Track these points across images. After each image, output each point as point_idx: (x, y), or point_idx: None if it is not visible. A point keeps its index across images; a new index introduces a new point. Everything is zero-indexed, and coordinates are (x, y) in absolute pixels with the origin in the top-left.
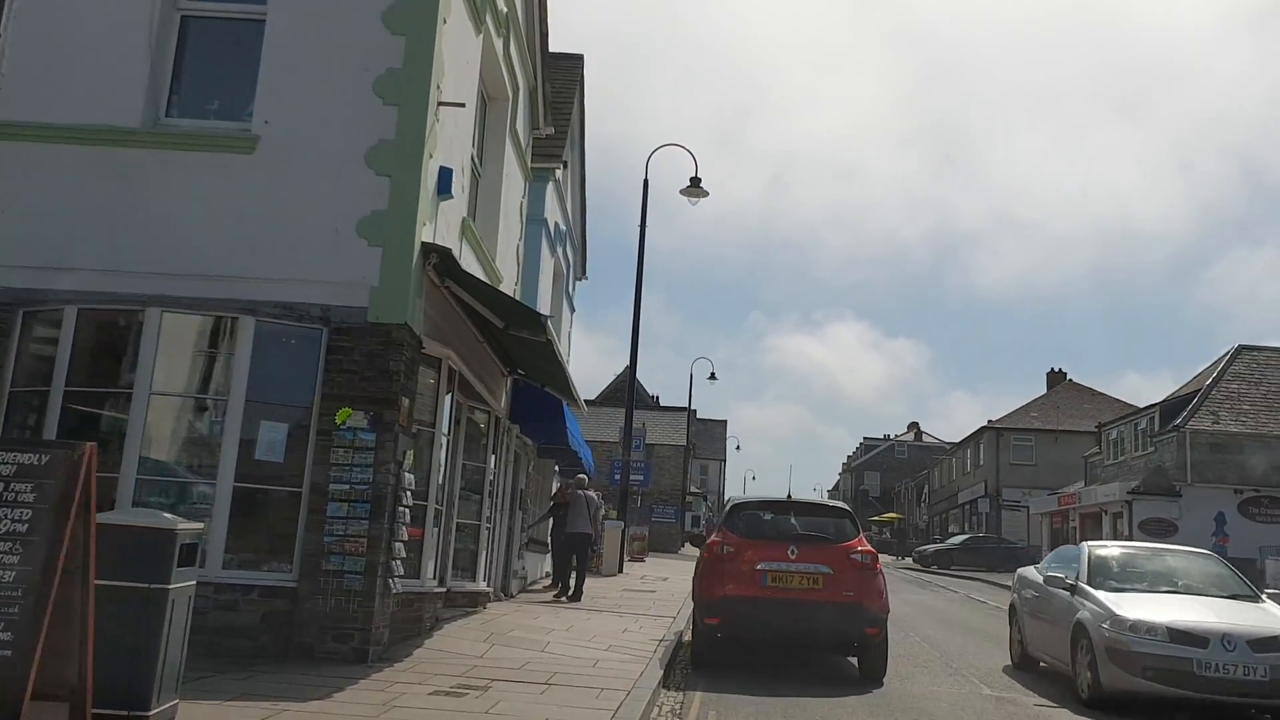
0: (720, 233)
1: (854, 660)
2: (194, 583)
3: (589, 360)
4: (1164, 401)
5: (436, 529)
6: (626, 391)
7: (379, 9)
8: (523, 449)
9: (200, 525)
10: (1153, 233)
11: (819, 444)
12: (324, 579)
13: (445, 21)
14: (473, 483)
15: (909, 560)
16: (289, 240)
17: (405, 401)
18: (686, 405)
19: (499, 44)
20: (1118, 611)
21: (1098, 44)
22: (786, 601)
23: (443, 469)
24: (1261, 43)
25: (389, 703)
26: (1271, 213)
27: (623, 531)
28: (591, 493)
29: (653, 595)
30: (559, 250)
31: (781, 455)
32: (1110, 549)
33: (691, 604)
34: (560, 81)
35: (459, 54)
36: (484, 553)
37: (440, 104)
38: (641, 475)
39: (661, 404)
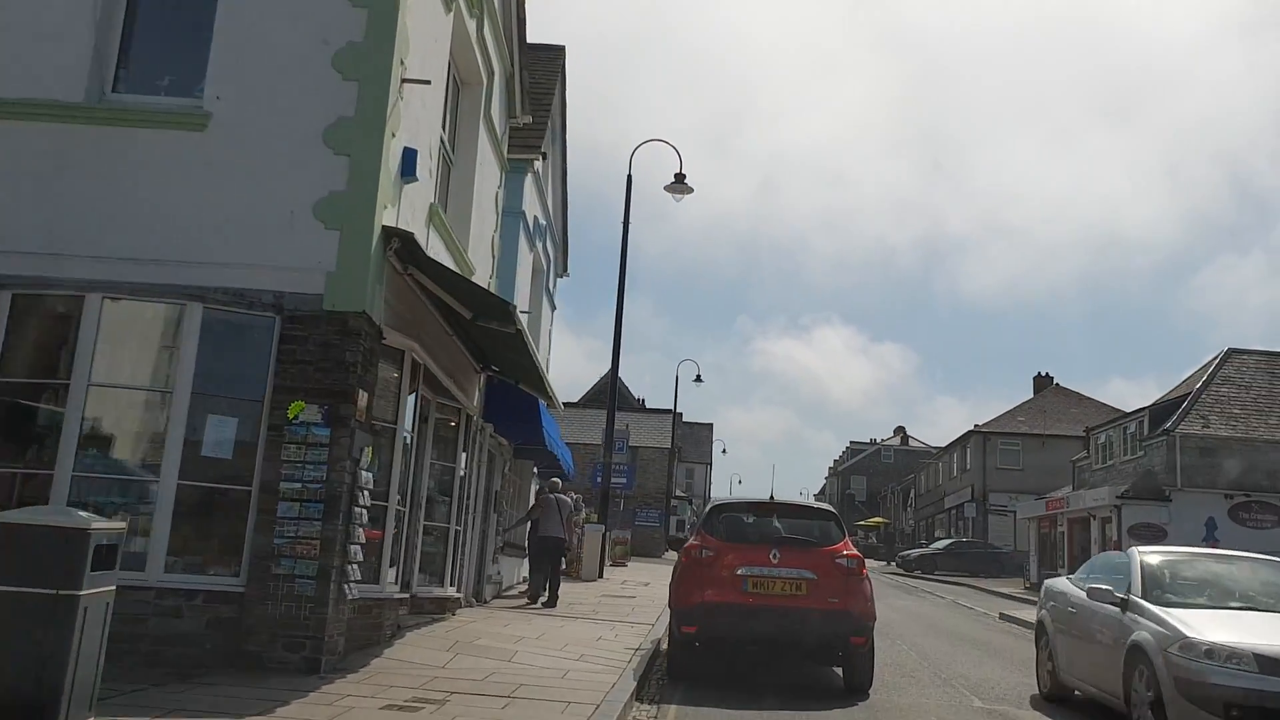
0: (710, 237)
1: (839, 670)
2: (113, 588)
3: (577, 364)
4: (1153, 405)
5: (399, 530)
6: (608, 391)
7: None
8: (497, 449)
9: (122, 525)
10: (1140, 239)
11: (805, 448)
12: (274, 583)
13: None
14: (443, 484)
15: (893, 565)
16: (241, 223)
17: (363, 395)
18: (672, 408)
19: (471, 25)
20: (1189, 633)
21: (1087, 50)
22: (768, 608)
23: (410, 468)
24: (1251, 49)
25: (336, 717)
26: (1259, 219)
27: (604, 535)
28: (565, 495)
29: (632, 601)
30: (538, 245)
31: (768, 459)
32: (1165, 555)
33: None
34: (540, 73)
35: (425, 30)
36: (454, 557)
37: (404, 80)
38: (624, 478)
39: (648, 406)
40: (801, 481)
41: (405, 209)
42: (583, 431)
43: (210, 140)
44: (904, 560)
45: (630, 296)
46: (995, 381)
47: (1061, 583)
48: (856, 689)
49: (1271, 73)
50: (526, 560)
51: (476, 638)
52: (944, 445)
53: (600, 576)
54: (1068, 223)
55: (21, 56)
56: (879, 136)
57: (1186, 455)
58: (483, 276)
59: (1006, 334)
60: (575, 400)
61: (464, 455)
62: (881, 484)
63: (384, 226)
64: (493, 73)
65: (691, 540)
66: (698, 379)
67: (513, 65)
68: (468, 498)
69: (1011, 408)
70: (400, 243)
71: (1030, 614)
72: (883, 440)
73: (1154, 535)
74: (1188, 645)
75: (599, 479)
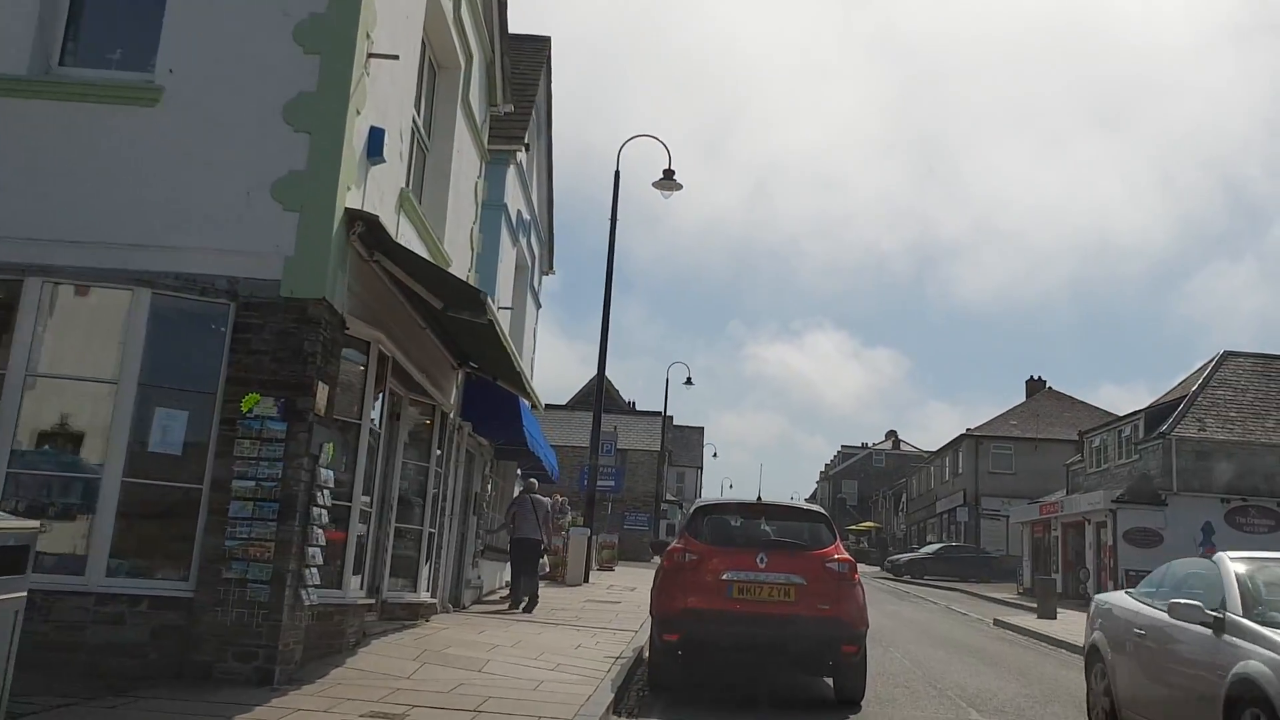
0: (702, 242)
1: (829, 681)
2: (23, 594)
3: (571, 368)
4: (1148, 408)
5: (365, 531)
6: (595, 391)
7: None
8: (478, 450)
9: (35, 524)
10: (1132, 245)
11: (797, 452)
12: (225, 588)
13: None
14: (417, 484)
15: (882, 569)
16: (194, 204)
17: (323, 387)
18: (662, 410)
19: (448, 6)
20: None
21: (1080, 57)
22: (755, 616)
23: (379, 467)
24: (1242, 56)
25: None
26: (1251, 226)
27: (589, 539)
28: (542, 497)
29: (617, 607)
30: (522, 240)
31: (759, 463)
32: (1255, 563)
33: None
34: (524, 63)
35: (395, 5)
36: (428, 560)
37: (370, 55)
38: (612, 481)
39: (638, 409)
40: (792, 485)
41: (372, 192)
42: (571, 434)
43: (162, 116)
44: (893, 564)
45: (622, 301)
46: (987, 387)
47: (1120, 597)
48: (848, 700)
49: (1263, 79)
50: (509, 564)
51: (447, 646)
52: (936, 449)
53: (586, 581)
54: (1060, 228)
55: None
56: (872, 142)
57: (1183, 459)
58: (461, 270)
59: (998, 340)
60: (564, 403)
61: (438, 453)
62: (873, 488)
63: (347, 209)
64: (471, 57)
65: (674, 543)
66: (688, 381)
67: (494, 50)
68: (444, 499)
69: (1004, 411)
70: (365, 226)
71: (1026, 620)
72: (874, 444)
73: (1150, 540)
74: None
75: (586, 482)
